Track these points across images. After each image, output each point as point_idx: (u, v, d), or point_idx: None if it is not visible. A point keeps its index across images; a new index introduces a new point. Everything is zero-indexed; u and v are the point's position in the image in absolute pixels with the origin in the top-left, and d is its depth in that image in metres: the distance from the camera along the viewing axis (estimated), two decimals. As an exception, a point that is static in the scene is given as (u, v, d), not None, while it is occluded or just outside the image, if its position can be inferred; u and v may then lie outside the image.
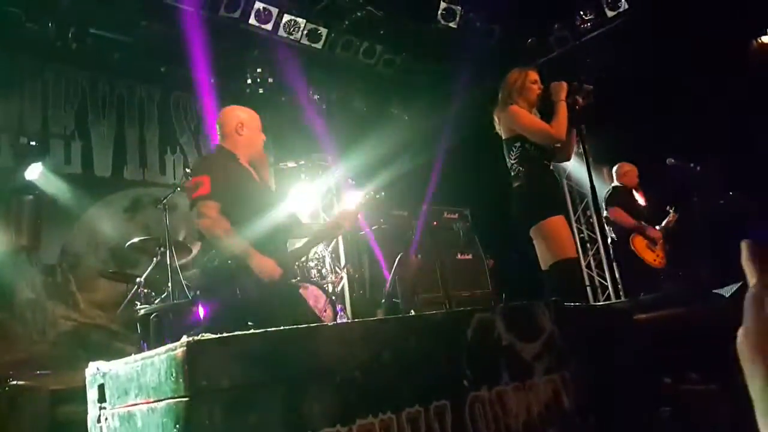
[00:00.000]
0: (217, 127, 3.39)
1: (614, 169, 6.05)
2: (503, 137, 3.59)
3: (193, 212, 3.03)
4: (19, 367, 4.44)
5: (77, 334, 5.43)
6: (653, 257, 5.62)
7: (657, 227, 5.74)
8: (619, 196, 5.79)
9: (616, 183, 5.96)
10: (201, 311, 3.92)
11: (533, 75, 3.67)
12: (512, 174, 3.53)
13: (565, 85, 3.58)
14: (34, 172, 5.43)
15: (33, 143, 5.53)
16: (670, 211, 5.87)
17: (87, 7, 5.46)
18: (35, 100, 5.93)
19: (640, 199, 6.07)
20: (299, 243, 3.42)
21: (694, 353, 2.91)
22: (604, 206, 5.68)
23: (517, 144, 3.48)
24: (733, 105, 5.87)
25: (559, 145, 3.56)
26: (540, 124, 3.47)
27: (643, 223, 5.67)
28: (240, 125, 3.32)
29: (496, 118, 3.66)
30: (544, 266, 3.34)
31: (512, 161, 3.51)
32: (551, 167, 3.57)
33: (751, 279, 0.63)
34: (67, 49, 5.71)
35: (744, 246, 0.64)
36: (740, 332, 0.62)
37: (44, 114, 5.98)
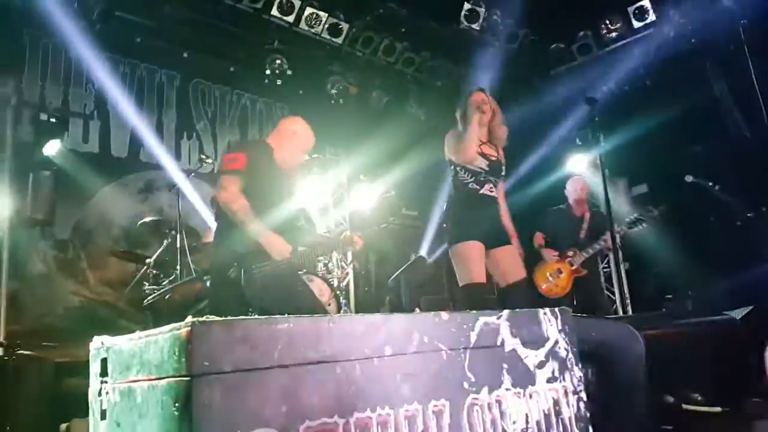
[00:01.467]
0: (280, 124, 3.52)
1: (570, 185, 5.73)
2: (499, 156, 3.71)
3: (216, 185, 3.11)
4: (27, 337, 4.49)
5: (85, 309, 5.48)
6: (547, 288, 5.37)
7: (583, 252, 5.35)
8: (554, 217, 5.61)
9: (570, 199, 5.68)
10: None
11: (473, 97, 3.73)
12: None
13: (473, 101, 3.66)
14: (53, 148, 5.48)
15: (53, 120, 5.58)
16: (603, 240, 5.30)
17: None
18: (57, 78, 5.98)
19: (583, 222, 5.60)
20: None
21: (699, 374, 2.88)
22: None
23: (451, 168, 3.66)
24: (758, 126, 5.80)
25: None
26: (448, 144, 3.61)
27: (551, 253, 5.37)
28: (294, 134, 3.42)
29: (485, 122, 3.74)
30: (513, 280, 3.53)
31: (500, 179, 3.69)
32: (482, 191, 3.56)
33: None
34: (91, 30, 5.75)
35: None
36: None
37: (65, 92, 6.03)
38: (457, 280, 3.56)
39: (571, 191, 5.68)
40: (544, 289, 5.38)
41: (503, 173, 3.71)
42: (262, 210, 3.05)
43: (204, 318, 1.35)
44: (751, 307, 3.39)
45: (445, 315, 1.76)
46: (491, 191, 3.60)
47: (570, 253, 5.39)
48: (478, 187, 3.54)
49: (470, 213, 3.51)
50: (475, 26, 6.78)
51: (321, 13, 6.32)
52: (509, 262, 3.53)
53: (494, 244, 3.53)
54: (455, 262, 3.53)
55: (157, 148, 6.47)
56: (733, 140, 6.06)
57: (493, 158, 3.60)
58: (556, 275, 5.38)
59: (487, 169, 3.58)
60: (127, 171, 6.30)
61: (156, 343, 1.39)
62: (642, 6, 6.68)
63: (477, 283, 3.42)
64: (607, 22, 6.96)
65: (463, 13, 6.73)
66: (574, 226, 5.55)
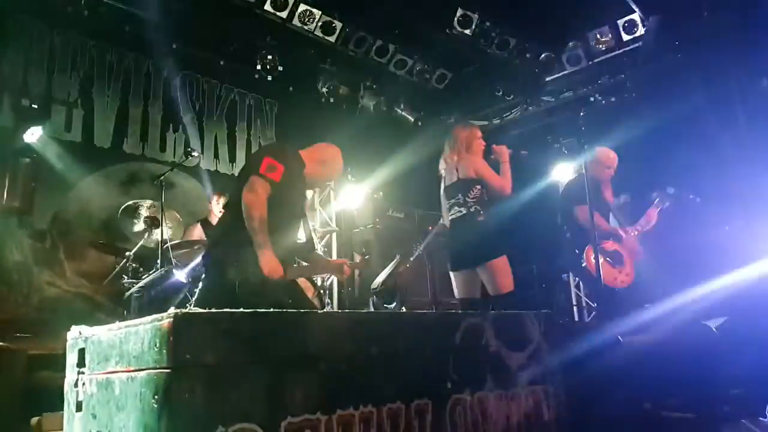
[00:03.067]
0: (316, 148, 3.51)
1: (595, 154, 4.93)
2: (461, 177, 4.10)
3: (246, 183, 3.02)
4: (1, 328, 4.39)
5: (61, 301, 5.38)
6: (614, 276, 4.61)
7: (630, 229, 4.80)
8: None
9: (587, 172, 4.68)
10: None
11: (479, 132, 4.27)
12: (468, 209, 4.05)
13: (506, 149, 4.18)
14: (34, 135, 5.37)
15: (35, 106, 5.48)
16: (654, 202, 4.91)
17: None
18: (41, 64, 5.87)
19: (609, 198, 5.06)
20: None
21: (675, 381, 2.91)
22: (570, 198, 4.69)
23: (478, 186, 4.04)
24: (740, 138, 5.88)
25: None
26: (503, 179, 4.09)
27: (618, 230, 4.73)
28: (324, 163, 3.43)
29: (453, 159, 4.20)
30: (492, 293, 3.89)
31: (470, 199, 4.05)
32: None
33: None
34: (79, 17, 5.67)
35: None
36: None
37: (49, 78, 5.91)
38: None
39: (602, 160, 4.93)
40: (611, 279, 4.59)
41: None
42: (278, 224, 3.07)
43: (187, 309, 1.33)
44: (725, 318, 3.46)
45: (430, 315, 1.76)
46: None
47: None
48: None
49: (502, 228, 4.04)
50: (467, 32, 6.79)
51: (315, 10, 6.29)
52: None
53: None
54: (500, 270, 3.89)
55: (141, 140, 6.40)
56: (714, 153, 6.14)
57: None
58: (617, 262, 4.68)
59: None
60: (109, 162, 6.20)
61: (136, 334, 1.37)
62: (632, 19, 6.76)
63: (514, 292, 3.89)
64: (597, 34, 7.03)
65: (456, 18, 6.74)
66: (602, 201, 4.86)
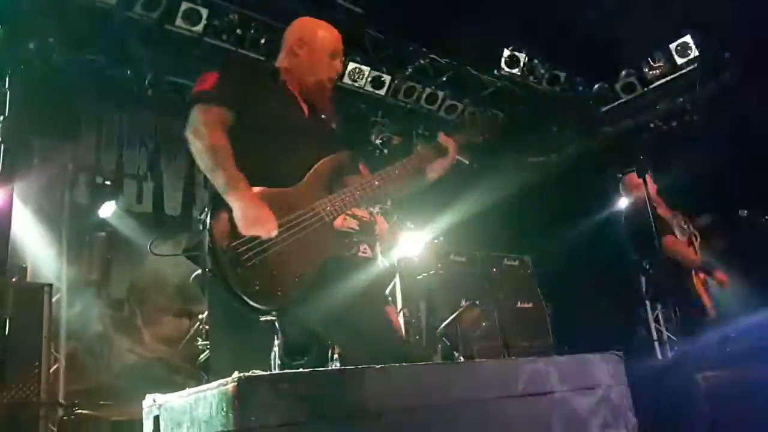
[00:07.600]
0: (284, 40, 2.50)
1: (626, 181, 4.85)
2: None
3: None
4: (86, 396, 4.61)
5: (140, 367, 5.60)
6: (709, 303, 4.44)
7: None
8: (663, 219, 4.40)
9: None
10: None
11: None
12: None
13: None
14: (108, 210, 5.72)
15: (108, 183, 5.84)
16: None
17: (163, 57, 5.78)
18: (111, 142, 6.27)
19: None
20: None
21: (755, 418, 2.71)
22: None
23: None
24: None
25: None
26: None
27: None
28: (300, 42, 2.36)
29: None
30: None
31: None
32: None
33: None
34: (143, 94, 6.05)
35: None
36: None
37: (119, 155, 6.30)
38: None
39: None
40: (708, 305, 4.42)
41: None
42: (269, 154, 2.11)
43: (250, 373, 1.38)
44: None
45: (487, 363, 1.74)
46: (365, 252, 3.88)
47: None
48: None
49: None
50: (516, 71, 6.84)
51: (364, 67, 6.52)
52: None
53: None
54: None
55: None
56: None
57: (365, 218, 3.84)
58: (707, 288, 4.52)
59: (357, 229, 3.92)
60: (180, 229, 6.49)
61: (205, 399, 1.42)
62: (684, 42, 6.62)
63: None
64: (650, 59, 6.92)
65: (503, 59, 6.81)
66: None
